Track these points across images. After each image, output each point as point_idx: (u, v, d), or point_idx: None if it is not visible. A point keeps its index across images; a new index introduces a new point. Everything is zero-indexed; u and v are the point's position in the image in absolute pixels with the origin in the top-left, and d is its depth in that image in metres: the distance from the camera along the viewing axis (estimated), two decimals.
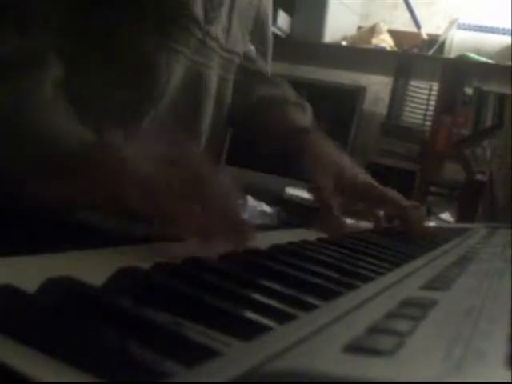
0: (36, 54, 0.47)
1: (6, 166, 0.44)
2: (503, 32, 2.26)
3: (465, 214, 1.79)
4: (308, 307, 0.24)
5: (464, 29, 2.29)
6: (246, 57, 0.76)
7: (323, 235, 0.52)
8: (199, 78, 0.62)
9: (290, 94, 0.79)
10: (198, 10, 0.57)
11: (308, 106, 0.80)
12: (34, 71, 0.46)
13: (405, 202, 0.69)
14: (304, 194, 0.91)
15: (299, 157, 0.69)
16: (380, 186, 0.69)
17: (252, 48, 0.80)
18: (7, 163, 0.44)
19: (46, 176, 0.43)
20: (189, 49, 0.59)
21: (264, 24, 0.80)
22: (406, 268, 0.33)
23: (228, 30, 0.65)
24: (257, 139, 0.76)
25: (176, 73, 0.58)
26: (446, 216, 1.80)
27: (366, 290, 0.24)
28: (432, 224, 1.13)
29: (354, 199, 0.69)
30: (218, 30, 0.62)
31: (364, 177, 0.69)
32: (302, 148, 0.69)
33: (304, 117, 0.76)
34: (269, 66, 0.85)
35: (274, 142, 0.73)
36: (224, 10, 0.63)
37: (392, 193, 0.70)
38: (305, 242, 0.45)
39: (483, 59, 2.18)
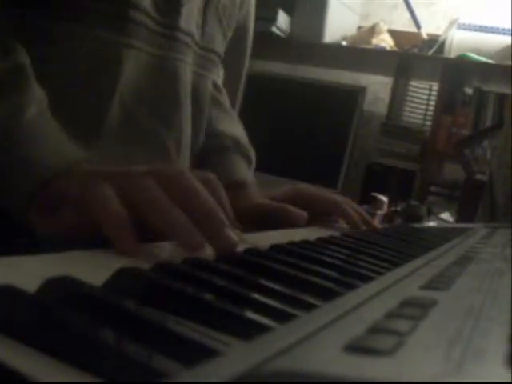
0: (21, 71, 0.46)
1: None
2: (503, 32, 2.26)
3: (465, 213, 1.79)
4: (308, 307, 0.24)
5: (464, 29, 2.29)
6: (213, 83, 0.74)
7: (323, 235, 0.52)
8: (172, 73, 0.60)
9: (240, 135, 0.77)
10: (146, 1, 0.55)
11: (252, 152, 0.77)
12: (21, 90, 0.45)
13: (337, 198, 0.68)
14: None
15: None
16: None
17: (220, 74, 0.78)
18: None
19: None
20: (146, 43, 0.56)
21: (245, 31, 0.77)
22: (406, 268, 0.33)
23: (202, 27, 0.63)
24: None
25: (131, 67, 0.55)
26: (445, 216, 1.80)
27: (366, 289, 0.24)
28: (432, 223, 1.13)
29: None
30: (190, 24, 0.60)
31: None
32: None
33: (244, 168, 0.74)
34: (241, 86, 0.83)
35: None
36: (195, 5, 0.60)
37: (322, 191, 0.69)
38: (305, 241, 0.45)
39: (483, 59, 2.18)
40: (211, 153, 0.73)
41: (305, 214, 0.62)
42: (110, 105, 0.54)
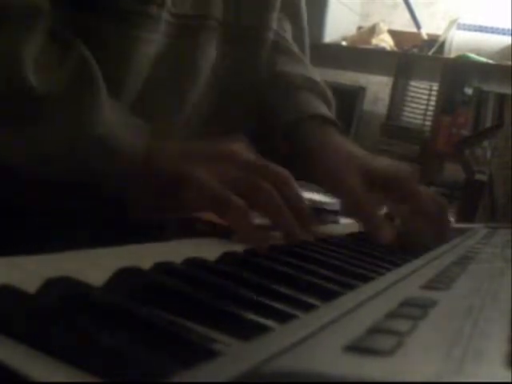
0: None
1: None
2: (503, 32, 2.26)
3: (465, 213, 1.79)
4: (308, 307, 0.24)
5: (464, 29, 2.29)
6: (278, 34, 0.69)
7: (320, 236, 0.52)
8: (190, 57, 0.58)
9: (314, 78, 0.69)
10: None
11: (331, 96, 0.70)
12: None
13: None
14: (310, 195, 0.88)
15: (308, 150, 0.60)
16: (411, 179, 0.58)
17: (287, 27, 0.73)
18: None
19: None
20: (164, 35, 0.55)
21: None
22: (406, 268, 0.33)
23: (237, 3, 0.60)
24: (259, 127, 0.66)
25: (149, 57, 0.54)
26: None
27: (366, 289, 0.24)
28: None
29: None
30: (213, 8, 0.58)
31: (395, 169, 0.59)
32: (311, 137, 0.61)
33: (322, 106, 0.66)
34: (301, 40, 0.77)
35: (280, 128, 0.63)
36: None
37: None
38: (305, 241, 0.45)
39: (483, 59, 2.18)
40: (271, 91, 0.66)
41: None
42: (121, 88, 0.54)
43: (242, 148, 0.48)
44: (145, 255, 0.32)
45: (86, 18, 0.50)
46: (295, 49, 0.74)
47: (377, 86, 2.67)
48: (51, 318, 0.19)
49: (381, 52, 2.37)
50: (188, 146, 0.49)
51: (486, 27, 2.29)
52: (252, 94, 0.66)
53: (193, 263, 0.31)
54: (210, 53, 0.61)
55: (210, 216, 0.48)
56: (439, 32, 2.42)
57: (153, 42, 0.55)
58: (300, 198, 0.48)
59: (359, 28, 2.55)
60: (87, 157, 0.45)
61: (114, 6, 0.51)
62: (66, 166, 0.46)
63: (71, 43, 0.47)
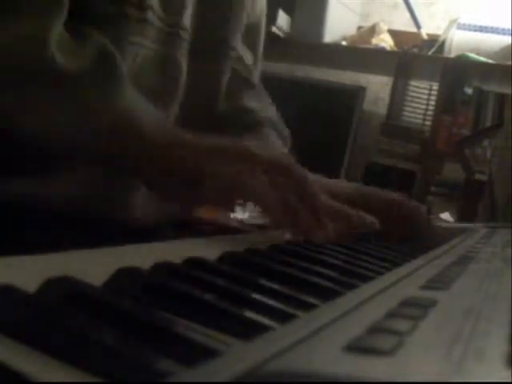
0: None
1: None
2: (503, 32, 2.26)
3: (465, 214, 1.79)
4: (308, 307, 0.24)
5: (464, 29, 2.29)
6: (241, 61, 0.73)
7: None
8: (170, 68, 0.60)
9: (275, 117, 0.76)
10: (155, 3, 0.55)
11: (289, 136, 0.76)
12: None
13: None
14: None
15: None
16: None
17: (248, 55, 0.76)
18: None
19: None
20: (149, 39, 0.56)
21: (257, 25, 0.76)
22: (406, 268, 0.33)
23: (202, 17, 0.62)
24: None
25: (137, 62, 0.55)
26: (445, 216, 1.80)
27: (366, 289, 0.24)
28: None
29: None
30: (186, 18, 0.60)
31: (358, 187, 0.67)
32: None
33: (282, 145, 0.73)
34: (258, 72, 0.81)
35: None
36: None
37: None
38: (305, 241, 0.45)
39: (483, 59, 2.18)
40: (244, 129, 0.72)
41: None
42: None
43: (258, 148, 0.49)
44: (145, 255, 0.32)
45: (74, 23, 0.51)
46: (260, 86, 0.78)
47: (377, 86, 2.67)
48: (51, 318, 0.19)
49: (381, 52, 2.37)
50: (210, 141, 0.50)
51: (486, 27, 2.29)
52: (211, 115, 0.68)
53: (193, 263, 0.31)
54: (184, 62, 0.62)
55: (211, 216, 0.48)
56: (439, 32, 2.42)
57: (139, 46, 0.55)
58: (315, 198, 0.49)
59: (359, 28, 2.55)
60: (111, 129, 0.47)
61: (99, 11, 0.52)
62: (91, 137, 0.47)
63: (90, 33, 0.49)
